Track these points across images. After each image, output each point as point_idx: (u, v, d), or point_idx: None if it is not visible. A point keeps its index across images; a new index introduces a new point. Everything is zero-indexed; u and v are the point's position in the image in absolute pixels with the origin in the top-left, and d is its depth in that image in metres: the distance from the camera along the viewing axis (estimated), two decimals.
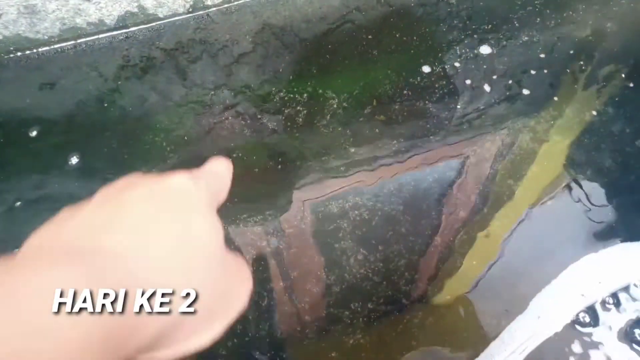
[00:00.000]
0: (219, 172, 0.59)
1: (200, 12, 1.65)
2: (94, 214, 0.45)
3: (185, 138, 1.31)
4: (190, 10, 1.65)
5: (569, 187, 1.27)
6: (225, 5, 1.67)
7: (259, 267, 1.13)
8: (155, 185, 0.48)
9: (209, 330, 0.45)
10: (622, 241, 1.18)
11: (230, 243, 1.15)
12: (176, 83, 1.40)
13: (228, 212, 1.19)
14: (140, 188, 0.46)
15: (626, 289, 1.10)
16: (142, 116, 1.32)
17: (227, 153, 1.31)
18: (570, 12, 1.59)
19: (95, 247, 0.40)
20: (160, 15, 1.60)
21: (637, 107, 1.40)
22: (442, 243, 1.18)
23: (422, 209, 1.21)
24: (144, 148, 1.26)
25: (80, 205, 0.48)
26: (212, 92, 1.38)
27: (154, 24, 1.56)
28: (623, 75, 1.48)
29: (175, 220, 0.46)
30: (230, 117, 1.35)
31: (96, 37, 1.49)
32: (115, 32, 1.51)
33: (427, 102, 1.38)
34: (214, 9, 1.66)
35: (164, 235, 0.44)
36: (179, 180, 0.50)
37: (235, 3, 1.68)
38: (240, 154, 1.31)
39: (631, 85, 1.43)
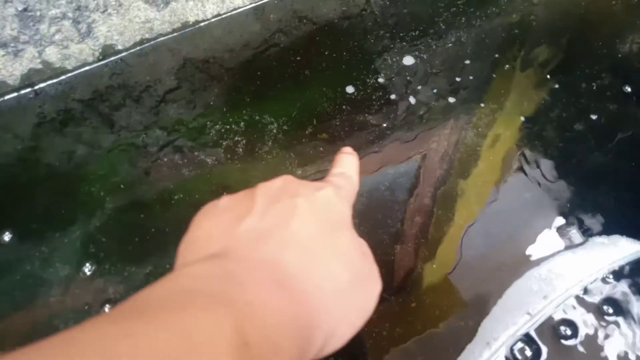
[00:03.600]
0: (350, 172, 0.89)
1: (113, 58, 2.04)
2: (262, 222, 0.62)
3: (122, 186, 1.66)
4: (101, 57, 2.04)
5: (517, 181, 1.74)
6: (139, 48, 2.08)
7: None
8: (311, 197, 0.68)
9: (349, 334, 0.62)
10: (568, 248, 1.63)
11: None
12: (102, 131, 1.76)
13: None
14: (299, 199, 0.65)
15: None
16: (72, 170, 1.66)
17: (168, 195, 1.67)
18: (494, 8, 2.14)
19: (274, 260, 0.56)
20: (69, 67, 1.97)
21: (572, 91, 1.92)
22: (402, 251, 1.58)
23: (378, 219, 1.62)
24: (81, 200, 1.59)
25: (235, 203, 0.72)
26: (144, 134, 1.75)
27: (64, 77, 1.93)
28: (556, 62, 2.02)
29: (336, 240, 0.68)
30: (166, 157, 1.72)
31: (1, 99, 1.84)
32: (22, 92, 1.87)
33: (366, 114, 1.83)
34: (126, 53, 2.07)
35: (333, 260, 0.63)
36: (327, 194, 0.71)
37: (149, 44, 2.09)
38: (181, 195, 1.67)
39: (564, 70, 1.97)
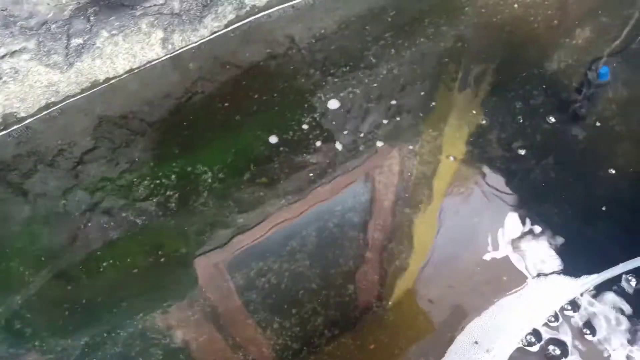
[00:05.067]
0: None
1: (16, 127, 2.09)
2: None
3: (43, 258, 1.69)
4: (2, 127, 2.06)
5: (465, 207, 1.92)
6: (45, 112, 2.15)
7: None
8: None
9: None
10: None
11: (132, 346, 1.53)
12: (15, 202, 1.79)
13: (119, 317, 1.58)
14: None
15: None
16: None
17: (96, 263, 1.72)
18: (421, 38, 2.40)
19: None
20: None
21: (508, 112, 2.16)
22: (356, 290, 1.70)
23: (329, 259, 1.73)
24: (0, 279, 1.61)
25: None
26: (63, 199, 1.81)
27: None
28: (489, 85, 2.27)
29: None
30: (91, 221, 1.77)
31: None
32: None
33: (304, 154, 1.97)
34: (32, 119, 2.13)
35: None
36: None
37: (55, 107, 2.16)
38: (111, 260, 1.73)
39: (498, 92, 2.21)
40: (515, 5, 2.46)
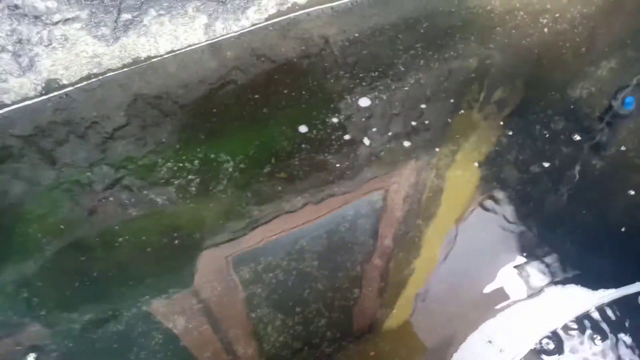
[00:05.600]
0: None
1: (57, 93, 1.96)
2: None
3: (62, 227, 1.55)
4: (43, 92, 1.96)
5: (476, 223, 1.74)
6: (85, 83, 2.02)
7: (167, 353, 1.37)
8: None
9: None
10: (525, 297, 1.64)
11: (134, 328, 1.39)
12: (43, 167, 1.66)
13: (125, 296, 1.44)
14: None
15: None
16: (6, 209, 1.54)
17: (113, 237, 1.58)
18: (451, 52, 2.20)
19: None
20: (8, 102, 1.88)
21: (527, 134, 1.97)
22: (361, 295, 1.54)
23: (338, 262, 1.57)
24: (16, 242, 1.47)
25: None
26: (89, 171, 1.67)
27: (1, 111, 1.84)
28: (511, 105, 2.07)
29: None
30: (113, 196, 1.63)
31: None
32: None
33: (326, 154, 1.81)
34: (72, 88, 2.00)
35: None
36: None
37: (96, 79, 2.03)
38: (127, 237, 1.58)
39: (519, 113, 2.02)
40: (546, 30, 2.25)
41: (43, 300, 1.38)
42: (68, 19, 1.82)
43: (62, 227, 1.51)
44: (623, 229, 1.66)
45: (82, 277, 1.45)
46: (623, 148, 1.86)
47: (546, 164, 1.81)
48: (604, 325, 1.48)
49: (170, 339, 1.36)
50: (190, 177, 1.66)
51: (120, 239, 1.53)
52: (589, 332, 1.47)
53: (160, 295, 1.42)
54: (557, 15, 2.29)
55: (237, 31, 2.19)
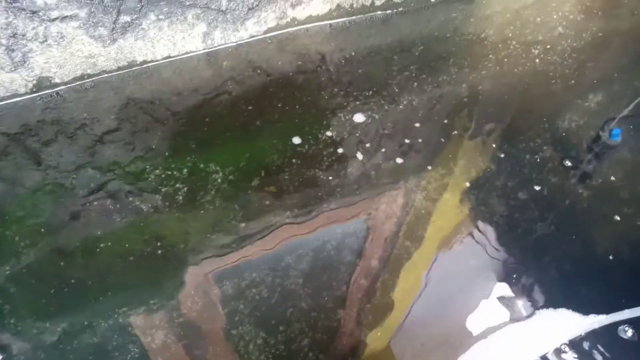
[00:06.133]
0: None
1: (48, 91, 1.87)
2: None
3: (42, 230, 1.45)
4: (34, 90, 1.86)
5: (464, 247, 1.67)
6: (78, 83, 1.92)
7: None
8: None
9: None
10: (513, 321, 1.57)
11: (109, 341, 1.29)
12: (28, 168, 1.56)
13: (103, 306, 1.33)
14: None
15: None
16: None
17: (94, 243, 1.47)
18: (445, 76, 2.15)
19: None
20: None
21: (516, 161, 1.91)
22: (346, 315, 1.45)
23: (323, 281, 1.48)
24: None
25: None
26: (74, 174, 1.57)
27: None
28: (501, 132, 2.02)
29: None
30: (97, 201, 1.53)
31: None
32: None
33: (316, 170, 1.73)
34: (64, 87, 1.90)
35: None
36: None
37: (90, 80, 1.94)
38: (109, 243, 1.48)
39: (508, 141, 1.97)
40: (537, 60, 2.21)
41: (15, 307, 1.28)
42: (66, 17, 1.73)
43: (42, 230, 1.41)
44: (610, 257, 1.60)
45: (59, 283, 1.35)
46: (609, 178, 1.81)
47: (534, 192, 1.75)
48: (592, 351, 1.42)
49: (147, 354, 1.26)
50: (178, 185, 1.57)
51: (101, 246, 1.43)
52: (578, 357, 1.39)
53: (139, 307, 1.33)
54: (548, 46, 2.25)
55: (235, 42, 2.12)
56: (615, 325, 1.48)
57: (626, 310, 1.50)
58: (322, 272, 1.47)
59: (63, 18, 1.73)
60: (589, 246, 1.64)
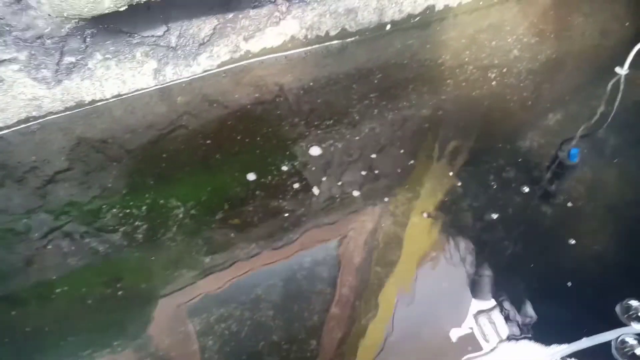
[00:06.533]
0: None
1: None
2: None
3: None
4: None
5: (435, 270, 1.77)
6: (23, 125, 1.97)
7: None
8: None
9: None
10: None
11: None
12: None
13: (63, 352, 1.35)
14: None
15: None
16: None
17: (50, 288, 1.50)
18: (405, 102, 2.29)
19: None
20: None
21: (481, 183, 2.05)
22: (319, 347, 1.51)
23: (294, 311, 1.54)
24: None
25: None
26: (26, 218, 1.60)
27: None
28: (465, 154, 2.16)
29: None
30: (52, 244, 1.56)
31: None
32: None
33: (280, 200, 1.81)
34: (8, 130, 1.94)
35: None
36: None
37: (36, 122, 1.98)
38: (65, 288, 1.51)
39: (472, 163, 2.11)
40: (494, 83, 2.39)
41: None
42: (4, 60, 1.79)
43: None
44: (569, 284, 1.70)
45: (12, 333, 1.36)
46: (571, 196, 1.95)
47: (498, 213, 1.87)
48: None
49: None
50: (137, 223, 1.62)
51: (58, 290, 1.46)
52: None
53: (102, 350, 1.35)
54: (504, 70, 2.44)
55: (189, 77, 2.21)
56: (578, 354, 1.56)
57: (584, 339, 1.58)
58: (293, 302, 1.53)
59: (1, 61, 1.79)
60: (552, 269, 1.75)
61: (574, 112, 2.37)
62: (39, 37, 1.81)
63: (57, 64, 1.91)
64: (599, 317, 1.66)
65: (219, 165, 1.82)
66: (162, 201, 1.67)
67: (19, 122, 1.89)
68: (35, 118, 1.95)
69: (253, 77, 2.22)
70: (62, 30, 1.83)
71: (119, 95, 2.09)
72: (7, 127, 1.86)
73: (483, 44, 2.57)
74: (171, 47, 2.11)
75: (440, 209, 1.89)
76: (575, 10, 2.80)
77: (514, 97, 2.36)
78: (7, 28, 1.73)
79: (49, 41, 1.83)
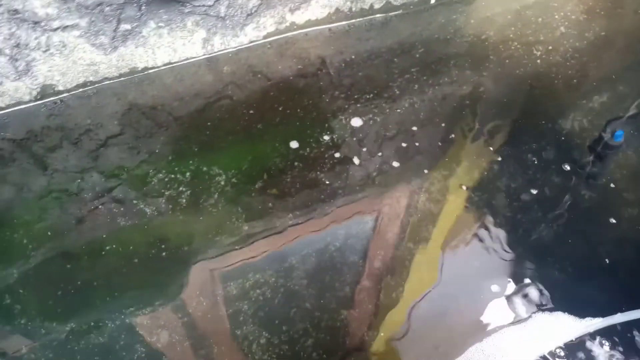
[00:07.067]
0: None
1: (52, 99, 1.96)
2: None
3: (49, 233, 1.53)
4: (39, 97, 1.96)
5: (466, 249, 1.74)
6: (81, 90, 2.02)
7: None
8: None
9: None
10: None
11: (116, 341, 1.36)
12: (34, 173, 1.64)
13: (109, 307, 1.41)
14: None
15: None
16: None
17: (100, 246, 1.55)
18: (446, 78, 2.23)
19: None
20: (2, 105, 1.87)
21: (519, 163, 1.99)
22: (349, 316, 1.52)
23: (326, 281, 1.56)
24: (1, 248, 1.45)
25: None
26: (80, 179, 1.65)
27: None
28: (504, 133, 2.09)
29: None
30: (102, 204, 1.61)
31: None
32: None
33: (318, 172, 1.81)
34: (67, 94, 1.99)
35: None
36: None
37: (92, 87, 2.03)
38: (114, 246, 1.56)
39: (511, 142, 2.04)
40: (539, 61, 2.29)
41: (24, 308, 1.36)
42: (67, 26, 1.82)
43: (49, 234, 1.49)
44: (607, 260, 1.66)
45: (66, 285, 1.42)
46: (613, 179, 1.87)
47: (536, 192, 1.82)
48: (590, 353, 1.47)
49: (153, 353, 1.33)
50: (181, 189, 1.65)
51: (107, 248, 1.51)
52: (576, 356, 1.45)
53: (145, 308, 1.40)
54: (550, 47, 2.33)
55: (235, 47, 2.20)
56: (611, 328, 1.53)
57: (618, 314, 1.55)
58: (325, 272, 1.54)
59: (64, 28, 1.82)
60: (590, 248, 1.70)
61: (621, 92, 2.25)
62: (99, 4, 1.83)
63: (114, 30, 1.94)
64: (634, 295, 1.62)
65: (261, 135, 1.82)
66: (205, 168, 1.69)
67: (77, 87, 1.93)
68: (92, 83, 1.99)
69: (297, 49, 2.20)
70: None
71: (170, 63, 2.10)
72: (67, 90, 1.91)
73: (529, 21, 2.46)
74: (220, 17, 2.10)
75: (477, 188, 1.85)
76: None
77: (559, 76, 2.26)
78: None
79: (107, 8, 1.85)
